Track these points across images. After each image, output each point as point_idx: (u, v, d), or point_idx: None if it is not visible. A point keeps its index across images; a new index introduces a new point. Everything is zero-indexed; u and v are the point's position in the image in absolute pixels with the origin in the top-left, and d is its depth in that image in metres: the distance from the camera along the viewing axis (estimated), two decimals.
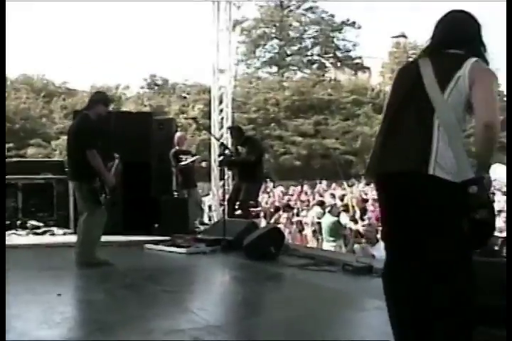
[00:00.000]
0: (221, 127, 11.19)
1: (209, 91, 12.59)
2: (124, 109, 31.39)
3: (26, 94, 34.11)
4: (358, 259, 5.92)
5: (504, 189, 16.86)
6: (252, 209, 8.73)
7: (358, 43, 44.09)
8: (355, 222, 10.89)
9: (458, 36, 2.83)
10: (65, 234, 8.13)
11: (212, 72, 11.30)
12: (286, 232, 9.43)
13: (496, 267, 3.34)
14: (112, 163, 6.22)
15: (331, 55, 44.41)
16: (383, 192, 2.90)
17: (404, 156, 2.69)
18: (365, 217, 11.24)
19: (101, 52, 59.92)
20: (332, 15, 42.97)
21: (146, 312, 3.97)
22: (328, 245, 10.11)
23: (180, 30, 65.87)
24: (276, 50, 43.79)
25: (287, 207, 12.74)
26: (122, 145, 7.48)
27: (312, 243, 10.90)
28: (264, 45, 43.43)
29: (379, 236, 8.16)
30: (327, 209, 11.00)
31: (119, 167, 6.41)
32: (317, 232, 11.04)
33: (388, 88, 3.07)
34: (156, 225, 8.42)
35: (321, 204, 12.32)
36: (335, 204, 12.14)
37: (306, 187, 20.69)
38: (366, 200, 13.61)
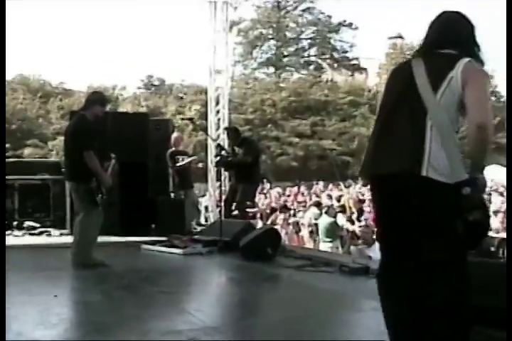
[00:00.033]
0: (218, 128, 11.19)
1: (206, 92, 12.58)
2: (120, 109, 31.39)
3: (23, 94, 34.06)
4: (354, 260, 5.93)
5: (501, 190, 16.92)
6: (248, 210, 8.74)
7: (354, 44, 44.09)
8: (352, 222, 10.90)
9: (451, 37, 2.83)
10: (61, 234, 8.11)
11: (209, 73, 11.30)
12: (282, 233, 9.43)
13: (492, 268, 3.35)
14: (108, 163, 6.22)
15: (327, 56, 44.41)
16: (377, 193, 2.90)
17: (397, 157, 2.69)
18: (362, 218, 11.25)
19: (98, 52, 59.79)
20: (329, 16, 43.03)
21: (143, 313, 3.97)
22: (324, 246, 10.11)
23: (177, 31, 65.93)
24: (273, 51, 43.77)
25: (284, 208, 12.75)
26: (119, 145, 7.48)
27: (309, 244, 10.89)
28: (261, 46, 43.41)
29: (375, 237, 8.16)
30: (324, 210, 11.00)
31: (116, 167, 6.41)
32: (314, 233, 11.04)
33: None
34: (153, 226, 8.42)
35: (318, 205, 12.32)
36: (332, 205, 12.15)
37: (302, 188, 20.69)
38: (363, 201, 13.62)
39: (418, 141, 2.63)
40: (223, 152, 8.38)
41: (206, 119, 11.81)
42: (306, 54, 44.61)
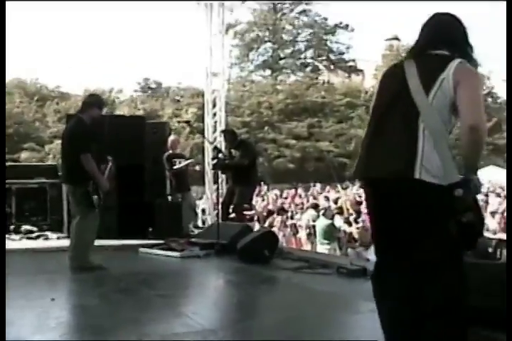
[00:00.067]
0: (214, 130, 11.19)
1: (202, 95, 12.59)
2: (117, 112, 31.40)
3: (20, 98, 34.07)
4: (352, 262, 5.93)
5: (498, 191, 16.97)
6: (245, 212, 8.73)
7: (351, 46, 44.37)
8: (350, 224, 10.91)
9: (443, 38, 2.83)
10: (58, 238, 8.09)
11: (206, 76, 11.30)
12: (280, 235, 9.44)
13: (489, 269, 3.36)
14: (105, 165, 6.22)
15: (324, 57, 44.51)
16: (371, 196, 2.91)
17: (390, 160, 2.68)
18: (359, 220, 11.26)
19: (94, 56, 59.97)
20: (325, 19, 43.19)
21: (141, 316, 3.96)
22: (322, 248, 10.12)
23: (174, 34, 66.11)
24: (269, 54, 43.86)
25: (281, 210, 12.75)
26: (116, 148, 7.48)
27: (306, 246, 10.90)
28: (258, 48, 43.49)
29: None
30: (321, 212, 11.02)
31: (113, 170, 6.40)
32: (311, 235, 11.05)
33: None
34: (150, 229, 8.41)
35: (315, 207, 12.34)
36: (329, 206, 12.18)
37: (300, 190, 20.75)
38: (360, 203, 13.61)
39: (411, 144, 2.62)
40: (220, 155, 8.38)
41: (203, 122, 11.82)
42: (302, 56, 44.72)
